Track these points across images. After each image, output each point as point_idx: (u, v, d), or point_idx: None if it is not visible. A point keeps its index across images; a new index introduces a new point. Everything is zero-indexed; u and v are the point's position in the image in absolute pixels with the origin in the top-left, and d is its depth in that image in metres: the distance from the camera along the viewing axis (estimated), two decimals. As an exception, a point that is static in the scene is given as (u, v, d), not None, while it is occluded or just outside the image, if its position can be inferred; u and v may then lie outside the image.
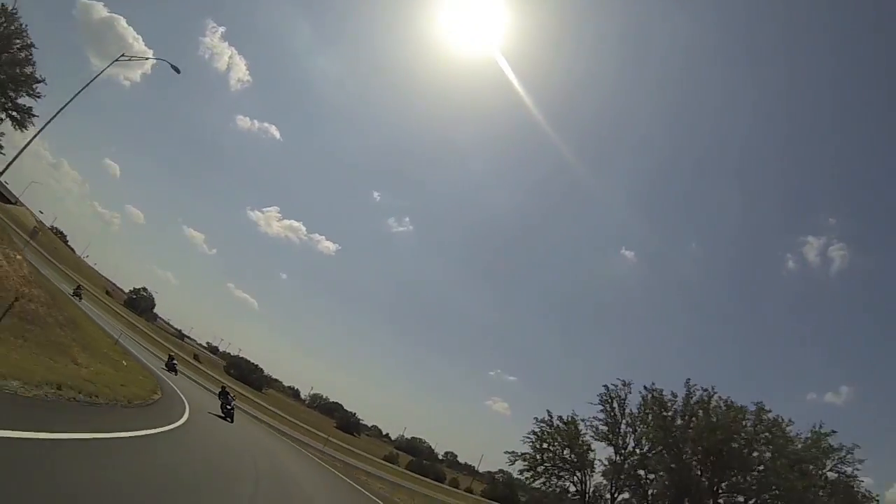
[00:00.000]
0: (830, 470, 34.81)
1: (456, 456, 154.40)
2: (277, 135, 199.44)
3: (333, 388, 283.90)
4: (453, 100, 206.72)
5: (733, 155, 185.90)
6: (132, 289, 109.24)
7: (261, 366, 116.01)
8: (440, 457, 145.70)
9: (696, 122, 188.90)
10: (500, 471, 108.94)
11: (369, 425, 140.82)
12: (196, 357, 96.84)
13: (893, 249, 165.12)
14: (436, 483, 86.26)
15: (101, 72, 25.29)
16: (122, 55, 25.29)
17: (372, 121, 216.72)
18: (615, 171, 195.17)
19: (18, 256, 20.86)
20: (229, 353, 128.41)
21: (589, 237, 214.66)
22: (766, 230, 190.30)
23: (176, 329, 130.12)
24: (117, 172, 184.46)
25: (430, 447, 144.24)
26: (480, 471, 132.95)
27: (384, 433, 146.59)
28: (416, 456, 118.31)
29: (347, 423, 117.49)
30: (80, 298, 53.28)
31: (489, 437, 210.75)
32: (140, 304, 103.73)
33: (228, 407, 24.92)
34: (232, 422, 24.15)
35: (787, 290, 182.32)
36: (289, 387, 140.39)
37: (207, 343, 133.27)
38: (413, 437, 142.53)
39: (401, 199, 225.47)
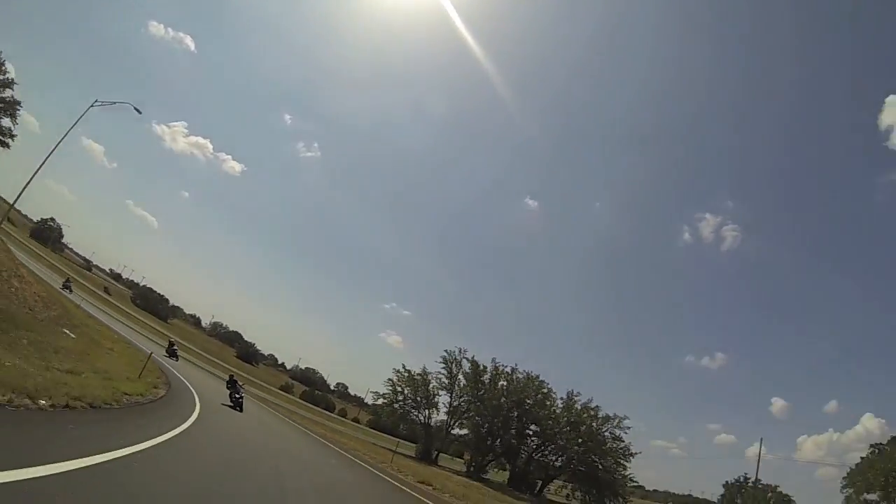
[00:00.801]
0: (607, 432, 49.78)
1: (347, 388, 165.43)
2: (192, 46, 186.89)
3: (233, 315, 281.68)
4: (381, 29, 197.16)
5: (648, 125, 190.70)
6: (40, 219, 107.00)
7: (166, 296, 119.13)
8: (332, 387, 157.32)
9: (617, 88, 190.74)
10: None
11: (266, 353, 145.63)
12: (106, 290, 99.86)
13: (780, 239, 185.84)
14: (325, 412, 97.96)
15: (86, 110, 32.02)
16: (96, 101, 32.15)
17: (293, 41, 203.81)
18: (529, 123, 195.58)
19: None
20: (133, 282, 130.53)
21: (496, 181, 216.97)
22: (668, 201, 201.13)
23: (82, 258, 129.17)
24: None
25: (323, 378, 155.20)
26: (369, 402, 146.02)
27: (280, 362, 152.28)
28: (310, 386, 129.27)
29: (247, 353, 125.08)
30: (71, 291, 52.69)
31: (383, 369, 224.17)
32: (47, 235, 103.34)
33: (237, 396, 23.79)
34: (241, 411, 22.95)
35: (679, 259, 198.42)
36: (190, 315, 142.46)
37: (111, 270, 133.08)
38: (307, 368, 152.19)
39: (312, 125, 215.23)
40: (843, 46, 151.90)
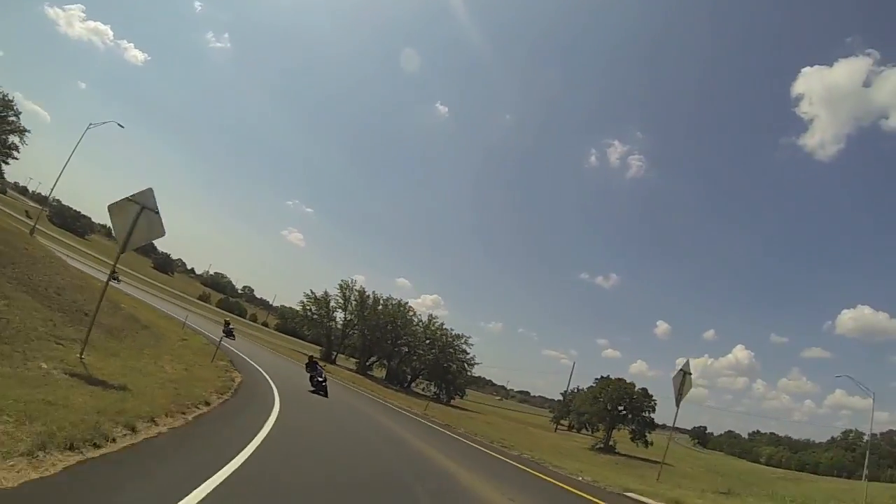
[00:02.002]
0: (457, 346, 71.89)
1: (253, 290, 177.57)
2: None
3: None
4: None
5: (571, 48, 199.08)
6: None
7: (84, 212, 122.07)
8: (239, 290, 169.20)
9: (545, 4, 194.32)
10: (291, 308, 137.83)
11: (174, 258, 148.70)
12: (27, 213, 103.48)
13: (683, 176, 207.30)
14: (239, 318, 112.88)
15: (81, 138, 43.48)
16: (90, 124, 43.38)
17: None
18: (450, 29, 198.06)
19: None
20: (41, 195, 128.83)
21: (408, 83, 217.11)
22: (581, 124, 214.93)
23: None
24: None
25: (232, 283, 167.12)
26: (275, 304, 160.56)
27: (190, 268, 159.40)
28: (222, 292, 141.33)
29: (163, 264, 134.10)
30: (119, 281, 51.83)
31: (284, 269, 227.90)
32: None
33: (320, 379, 21.73)
34: (326, 396, 20.79)
35: (584, 181, 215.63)
36: (99, 224, 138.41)
37: (15, 184, 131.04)
38: (217, 273, 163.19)
39: (224, 14, 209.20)
40: (771, 13, 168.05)
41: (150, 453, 5.72)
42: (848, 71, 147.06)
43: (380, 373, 71.88)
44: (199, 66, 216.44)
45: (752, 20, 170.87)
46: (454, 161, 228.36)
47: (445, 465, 11.30)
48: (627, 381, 60.45)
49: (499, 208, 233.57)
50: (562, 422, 77.15)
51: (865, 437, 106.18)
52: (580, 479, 14.28)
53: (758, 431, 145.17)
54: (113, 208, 10.84)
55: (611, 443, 56.00)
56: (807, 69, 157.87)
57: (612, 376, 61.25)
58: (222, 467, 5.61)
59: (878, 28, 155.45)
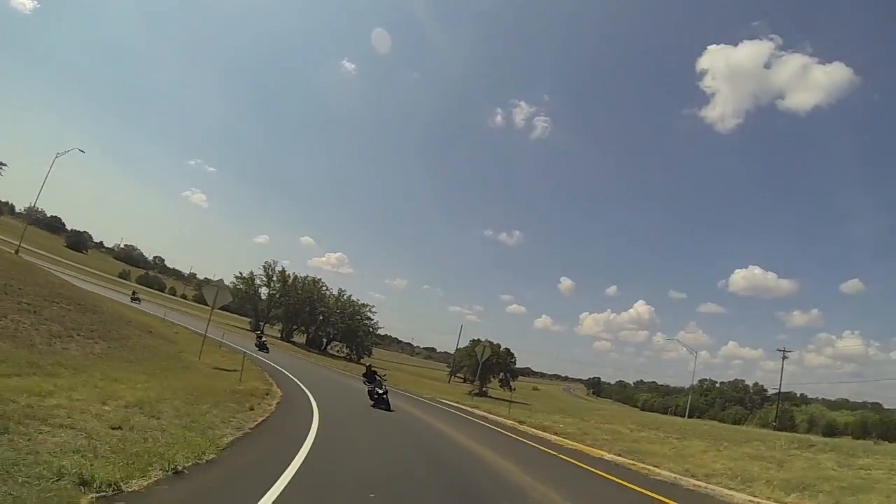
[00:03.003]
0: (361, 315, 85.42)
1: (164, 260, 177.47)
2: None
3: (34, 190, 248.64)
4: None
5: (480, 5, 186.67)
6: None
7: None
8: (151, 260, 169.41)
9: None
10: (207, 279, 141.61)
11: (81, 230, 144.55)
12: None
13: (587, 139, 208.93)
14: (160, 293, 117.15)
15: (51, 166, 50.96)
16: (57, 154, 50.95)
17: None
18: None
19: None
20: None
21: (312, 40, 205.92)
22: (488, 84, 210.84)
23: None
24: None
25: (143, 255, 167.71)
26: (186, 274, 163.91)
27: (98, 241, 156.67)
28: (135, 265, 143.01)
29: (76, 242, 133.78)
30: (140, 302, 54.26)
31: (188, 232, 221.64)
32: None
33: (380, 392, 19.58)
34: (391, 409, 18.78)
35: (490, 139, 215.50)
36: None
37: None
38: (128, 246, 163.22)
39: None
40: None
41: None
42: (751, 52, 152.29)
43: (300, 339, 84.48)
44: (93, 17, 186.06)
45: None
46: (360, 119, 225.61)
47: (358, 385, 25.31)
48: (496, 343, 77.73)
49: (404, 167, 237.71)
50: (458, 375, 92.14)
51: (717, 384, 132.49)
52: (447, 401, 28.76)
53: (641, 381, 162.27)
54: (204, 288, 23.70)
55: (484, 389, 72.46)
56: (713, 46, 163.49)
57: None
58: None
59: (783, 16, 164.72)
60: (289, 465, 7.20)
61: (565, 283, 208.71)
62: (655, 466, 12.69)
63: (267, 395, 15.39)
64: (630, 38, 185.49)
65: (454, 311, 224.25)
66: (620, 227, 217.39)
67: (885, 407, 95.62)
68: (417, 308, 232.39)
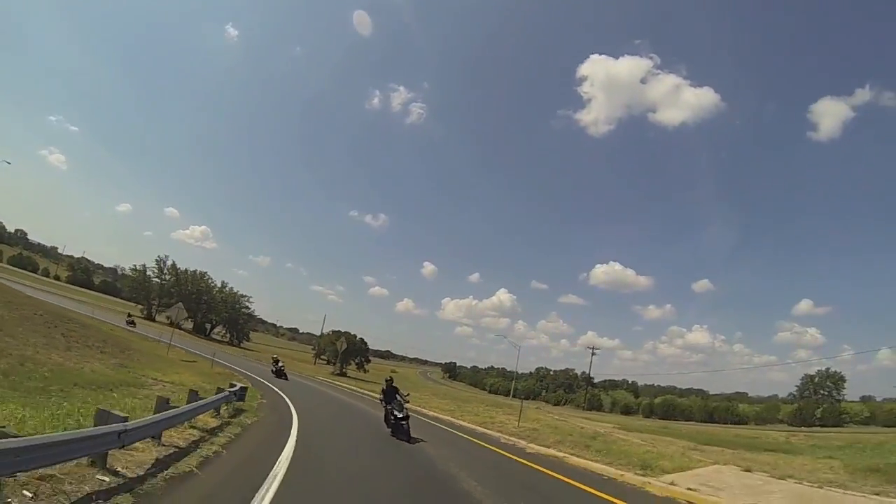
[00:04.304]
0: (240, 304, 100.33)
1: (27, 234, 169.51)
2: None
3: None
4: None
5: None
6: None
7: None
8: (12, 233, 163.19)
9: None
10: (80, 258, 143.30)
11: None
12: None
13: (461, 129, 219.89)
14: (31, 273, 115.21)
15: None
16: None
17: None
18: None
19: None
20: None
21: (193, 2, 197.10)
22: (368, 64, 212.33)
23: None
24: None
25: (4, 226, 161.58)
26: (63, 252, 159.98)
27: None
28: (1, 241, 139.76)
29: None
30: (135, 325, 58.15)
31: (45, 196, 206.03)
32: None
33: (398, 415, 15.85)
34: (410, 440, 15.34)
35: (363, 121, 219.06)
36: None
37: None
38: None
39: None
40: (572, 5, 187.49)
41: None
42: (630, 66, 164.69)
43: (187, 325, 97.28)
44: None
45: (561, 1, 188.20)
46: (237, 89, 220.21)
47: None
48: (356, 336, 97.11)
49: (276, 142, 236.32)
50: (322, 357, 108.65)
51: (551, 371, 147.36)
52: (321, 378, 47.76)
53: (492, 367, 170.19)
54: (170, 310, 40.53)
55: (344, 370, 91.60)
56: (595, 56, 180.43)
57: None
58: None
59: (665, 39, 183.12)
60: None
61: (428, 267, 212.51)
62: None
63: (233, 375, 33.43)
64: (517, 36, 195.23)
65: (317, 290, 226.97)
66: (487, 217, 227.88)
67: (711, 393, 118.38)
68: (280, 286, 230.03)
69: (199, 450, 9.75)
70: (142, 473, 7.33)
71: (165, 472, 7.64)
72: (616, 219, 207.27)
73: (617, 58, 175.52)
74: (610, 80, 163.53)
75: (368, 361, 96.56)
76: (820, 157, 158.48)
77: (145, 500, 6.40)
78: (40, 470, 5.86)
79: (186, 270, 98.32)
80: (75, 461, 6.66)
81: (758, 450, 23.68)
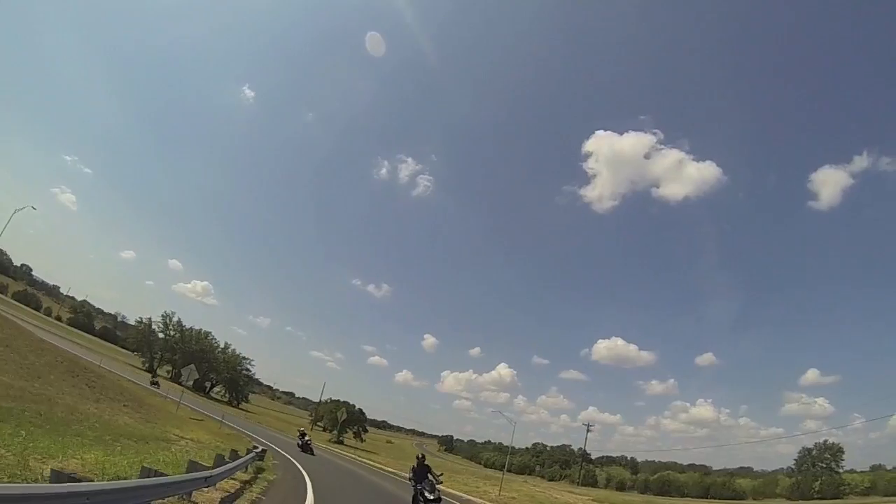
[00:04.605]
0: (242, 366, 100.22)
1: (31, 270, 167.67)
2: None
3: None
4: None
5: (388, 58, 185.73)
6: None
7: None
8: (18, 268, 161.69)
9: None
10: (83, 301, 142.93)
11: None
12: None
13: (467, 203, 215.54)
14: (35, 311, 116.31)
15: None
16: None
17: None
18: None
19: None
20: None
21: (222, 58, 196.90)
22: (378, 134, 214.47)
23: None
24: None
25: (10, 259, 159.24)
26: (65, 293, 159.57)
27: None
28: (5, 274, 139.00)
29: None
30: (159, 386, 59.18)
31: (50, 235, 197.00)
32: None
33: (430, 497, 15.37)
34: None
35: (370, 191, 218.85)
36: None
37: None
38: None
39: None
40: (586, 76, 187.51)
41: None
42: (634, 142, 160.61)
43: (188, 382, 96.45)
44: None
45: (569, 76, 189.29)
46: (250, 149, 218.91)
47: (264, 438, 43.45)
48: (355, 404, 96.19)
49: (284, 205, 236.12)
50: (318, 423, 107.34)
51: (548, 447, 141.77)
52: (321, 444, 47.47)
53: (489, 441, 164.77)
54: (184, 369, 40.98)
55: (341, 438, 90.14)
56: (600, 132, 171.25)
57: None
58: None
59: (668, 115, 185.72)
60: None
61: (429, 339, 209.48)
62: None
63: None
64: (524, 111, 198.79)
65: (315, 356, 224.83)
66: (490, 290, 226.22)
67: (715, 468, 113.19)
68: (279, 349, 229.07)
69: (245, 493, 12.78)
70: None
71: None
72: (619, 294, 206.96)
73: (622, 133, 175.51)
74: (615, 155, 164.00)
75: (366, 431, 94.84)
76: (821, 225, 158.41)
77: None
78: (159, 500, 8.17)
79: (192, 329, 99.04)
80: (177, 496, 9.29)
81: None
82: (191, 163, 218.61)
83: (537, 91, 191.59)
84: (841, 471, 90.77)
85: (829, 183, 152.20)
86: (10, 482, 6.94)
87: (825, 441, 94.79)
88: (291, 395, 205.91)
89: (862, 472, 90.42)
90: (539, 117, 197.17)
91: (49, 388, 23.39)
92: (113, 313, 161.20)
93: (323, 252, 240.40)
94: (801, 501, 69.44)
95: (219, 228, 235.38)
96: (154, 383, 59.11)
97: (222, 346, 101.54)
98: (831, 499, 75.32)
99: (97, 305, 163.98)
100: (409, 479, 16.44)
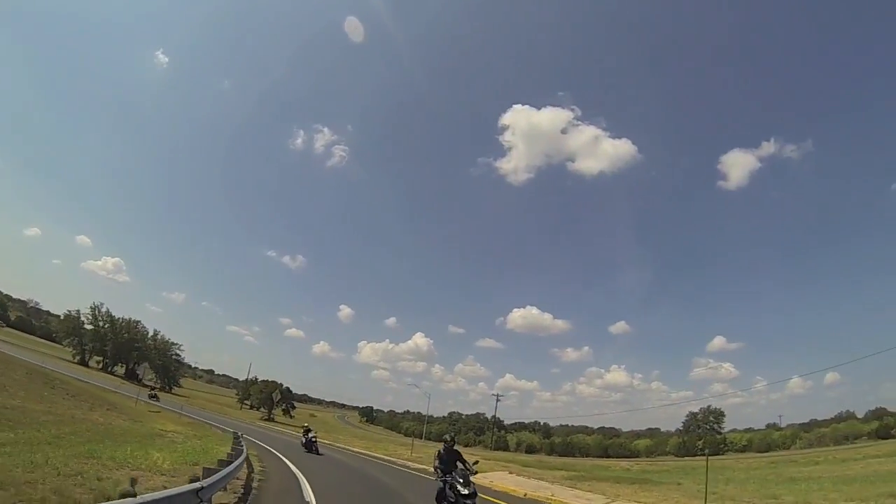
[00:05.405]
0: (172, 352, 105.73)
1: None
2: None
3: None
4: None
5: (303, 30, 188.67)
6: None
7: None
8: None
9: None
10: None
11: None
12: None
13: (383, 172, 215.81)
14: None
15: None
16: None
17: None
18: None
19: None
20: None
21: (136, 21, 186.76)
22: (294, 103, 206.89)
23: None
24: None
25: None
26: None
27: None
28: None
29: None
30: (158, 399, 60.30)
31: None
32: None
33: (463, 493, 11.93)
34: None
35: (284, 159, 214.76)
36: None
37: None
38: None
39: None
40: (509, 49, 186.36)
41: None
42: (552, 117, 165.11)
43: (120, 371, 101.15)
44: None
45: (488, 49, 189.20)
46: (162, 118, 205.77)
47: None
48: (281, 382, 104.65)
49: (197, 175, 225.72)
50: (245, 402, 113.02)
51: (463, 415, 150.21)
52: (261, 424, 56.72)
53: (408, 411, 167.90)
54: (139, 367, 48.83)
55: (272, 416, 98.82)
56: (518, 106, 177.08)
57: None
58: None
59: (587, 92, 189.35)
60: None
61: (345, 310, 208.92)
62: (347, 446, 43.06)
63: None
64: (442, 84, 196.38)
65: (233, 330, 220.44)
66: (405, 260, 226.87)
67: (625, 430, 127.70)
68: (196, 325, 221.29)
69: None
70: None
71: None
72: (534, 264, 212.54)
73: (539, 108, 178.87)
74: (531, 129, 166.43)
75: (294, 408, 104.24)
76: (729, 204, 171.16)
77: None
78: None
79: (121, 319, 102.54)
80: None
81: (602, 477, 32.49)
82: (99, 132, 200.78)
83: (456, 63, 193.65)
84: (723, 431, 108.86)
85: (738, 165, 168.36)
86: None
87: (709, 406, 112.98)
88: (212, 372, 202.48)
89: (740, 431, 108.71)
90: (457, 89, 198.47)
91: (54, 405, 30.88)
92: (24, 299, 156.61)
93: (237, 223, 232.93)
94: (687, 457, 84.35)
95: (130, 201, 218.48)
96: (153, 397, 61.06)
97: (151, 333, 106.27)
98: (713, 455, 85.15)
99: (5, 291, 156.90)
100: (436, 468, 13.17)
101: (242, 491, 13.99)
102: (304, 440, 34.89)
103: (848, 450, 68.19)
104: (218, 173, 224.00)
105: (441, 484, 12.65)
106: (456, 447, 13.49)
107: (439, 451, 13.38)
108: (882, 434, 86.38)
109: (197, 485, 8.16)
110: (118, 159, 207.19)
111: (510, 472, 29.27)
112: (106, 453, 15.24)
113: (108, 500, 6.77)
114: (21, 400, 28.17)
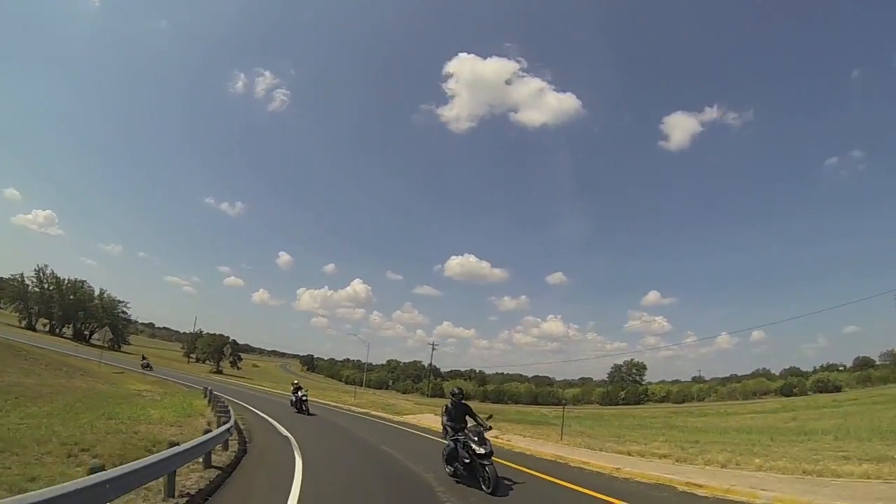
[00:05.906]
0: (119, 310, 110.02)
1: None
2: None
3: None
4: None
5: None
6: None
7: None
8: None
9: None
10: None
11: None
12: None
13: (322, 117, 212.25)
14: None
15: None
16: None
17: None
18: None
19: None
20: None
21: None
22: (232, 48, 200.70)
23: None
24: None
25: None
26: None
27: None
28: None
29: None
30: (151, 368, 60.72)
31: None
32: None
33: (479, 452, 10.50)
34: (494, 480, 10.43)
35: (223, 103, 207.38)
36: None
37: None
38: None
39: None
40: (444, 2, 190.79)
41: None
42: (497, 67, 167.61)
43: (68, 332, 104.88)
44: None
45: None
46: (94, 59, 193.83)
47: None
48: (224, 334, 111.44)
49: (128, 116, 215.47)
50: (191, 354, 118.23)
51: (401, 363, 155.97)
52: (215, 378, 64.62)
53: (348, 359, 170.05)
54: (98, 332, 55.53)
55: (220, 368, 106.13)
56: (463, 54, 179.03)
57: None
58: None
59: (534, 44, 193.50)
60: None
61: (284, 257, 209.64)
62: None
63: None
64: (387, 29, 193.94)
65: (171, 281, 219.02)
66: (343, 207, 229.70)
67: (559, 379, 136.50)
68: (133, 277, 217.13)
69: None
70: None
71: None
72: (473, 213, 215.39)
73: (485, 58, 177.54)
74: (476, 78, 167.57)
75: (240, 360, 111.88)
76: (669, 164, 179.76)
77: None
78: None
79: (66, 280, 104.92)
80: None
81: (515, 420, 36.68)
82: (25, 77, 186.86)
83: (401, 7, 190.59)
84: (643, 382, 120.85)
85: (680, 127, 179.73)
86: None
87: (632, 360, 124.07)
88: (152, 325, 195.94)
89: (668, 383, 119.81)
90: (402, 34, 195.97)
91: (43, 378, 36.86)
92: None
93: (175, 170, 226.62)
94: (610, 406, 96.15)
95: (60, 150, 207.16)
96: (146, 366, 62.44)
97: (98, 293, 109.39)
98: (635, 404, 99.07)
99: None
100: (444, 426, 11.84)
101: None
102: (293, 398, 32.15)
103: (742, 405, 79.84)
104: (154, 119, 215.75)
105: (451, 444, 11.28)
106: (465, 401, 12.14)
107: (446, 407, 12.04)
108: (786, 392, 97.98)
109: (224, 427, 13.01)
110: (47, 106, 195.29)
111: (435, 415, 32.68)
112: (120, 414, 17.70)
113: (169, 445, 8.42)
114: (13, 376, 30.78)
